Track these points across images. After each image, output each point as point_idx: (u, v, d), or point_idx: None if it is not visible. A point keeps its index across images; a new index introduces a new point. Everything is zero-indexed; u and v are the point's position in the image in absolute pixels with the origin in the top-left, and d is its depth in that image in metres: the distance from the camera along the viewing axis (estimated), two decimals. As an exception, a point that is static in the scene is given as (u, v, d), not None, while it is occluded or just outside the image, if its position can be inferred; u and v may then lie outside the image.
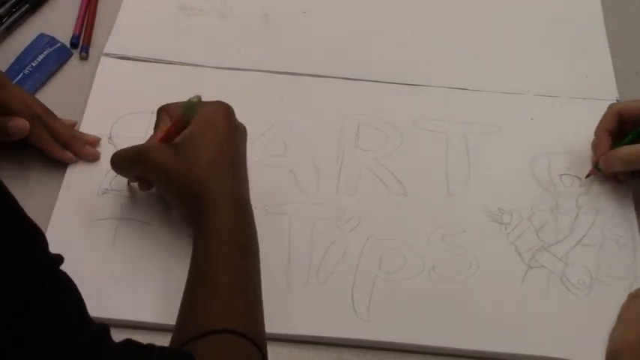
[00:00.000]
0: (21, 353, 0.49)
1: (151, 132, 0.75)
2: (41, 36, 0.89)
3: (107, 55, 0.88)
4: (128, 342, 0.58)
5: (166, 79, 0.86)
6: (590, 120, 0.81)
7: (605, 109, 0.80)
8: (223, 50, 0.90)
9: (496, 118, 0.85)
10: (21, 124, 0.75)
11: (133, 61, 0.88)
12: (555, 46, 0.93)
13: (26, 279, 0.49)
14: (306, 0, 0.95)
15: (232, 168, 0.71)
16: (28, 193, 0.76)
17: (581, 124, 0.82)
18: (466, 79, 0.89)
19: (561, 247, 0.76)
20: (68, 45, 0.89)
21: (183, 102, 0.67)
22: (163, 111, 0.74)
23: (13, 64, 0.86)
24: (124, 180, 0.77)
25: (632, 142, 0.77)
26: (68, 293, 0.53)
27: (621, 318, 0.71)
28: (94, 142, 0.80)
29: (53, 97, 0.83)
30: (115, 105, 0.83)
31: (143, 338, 0.59)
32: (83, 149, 0.79)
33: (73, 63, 0.88)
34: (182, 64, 0.88)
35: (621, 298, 0.72)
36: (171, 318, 0.68)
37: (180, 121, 0.69)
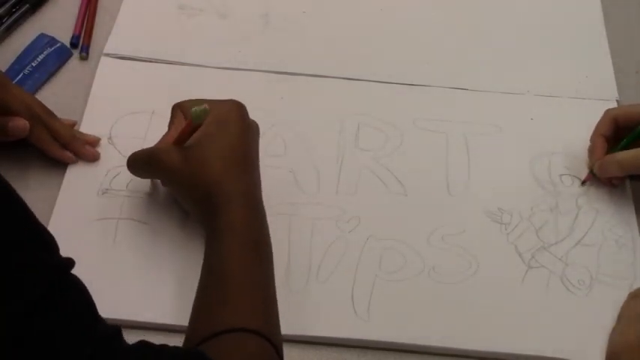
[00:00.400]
0: (32, 353, 0.49)
1: (151, 132, 0.75)
2: (41, 36, 0.89)
3: (107, 55, 0.88)
4: (141, 343, 0.57)
5: (166, 79, 0.86)
6: (590, 120, 0.81)
7: (604, 110, 0.80)
8: (223, 50, 0.90)
9: (496, 118, 0.85)
10: (21, 124, 0.75)
11: (133, 61, 0.88)
12: (555, 46, 0.93)
13: (38, 279, 0.49)
14: (306, 0, 0.95)
15: (245, 167, 0.71)
16: (28, 193, 0.76)
17: (581, 124, 0.82)
18: (466, 79, 0.89)
19: (561, 247, 0.76)
20: (68, 45, 0.89)
21: (192, 109, 0.67)
22: (178, 108, 0.74)
23: (13, 64, 0.86)
24: (124, 180, 0.77)
25: (626, 146, 0.77)
26: (79, 295, 0.53)
27: (621, 318, 0.71)
28: (94, 142, 0.80)
29: (53, 97, 0.83)
30: (115, 105, 0.83)
31: (143, 338, 0.59)
32: (83, 149, 0.79)
33: (73, 63, 0.88)
34: (182, 64, 0.88)
35: (621, 298, 0.72)
36: (171, 317, 0.68)
37: (190, 124, 0.69)
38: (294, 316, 0.70)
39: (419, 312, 0.71)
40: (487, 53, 0.92)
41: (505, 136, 0.84)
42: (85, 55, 0.88)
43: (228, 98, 0.73)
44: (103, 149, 0.80)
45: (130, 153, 0.73)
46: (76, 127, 0.81)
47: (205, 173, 0.68)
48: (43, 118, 0.77)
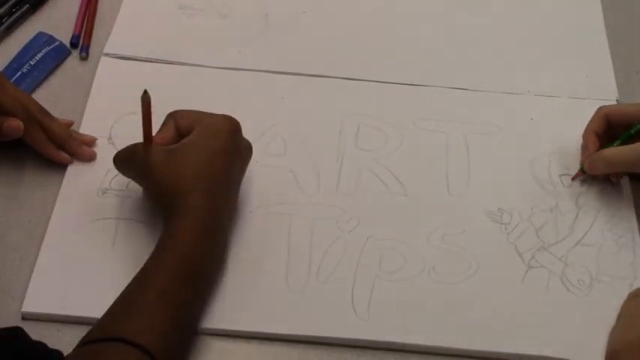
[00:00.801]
0: None
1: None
2: (39, 34, 0.89)
3: (107, 55, 0.88)
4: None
5: (166, 79, 0.86)
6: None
7: (599, 108, 0.80)
8: (223, 50, 0.90)
9: (496, 118, 0.85)
10: (14, 124, 0.74)
11: (133, 61, 0.88)
12: (555, 46, 0.93)
13: None
14: (306, 0, 0.95)
15: (217, 186, 0.69)
16: (28, 193, 0.76)
17: (581, 125, 0.82)
18: (466, 79, 0.89)
19: (561, 247, 0.76)
20: (68, 45, 0.89)
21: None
22: (171, 117, 0.73)
23: (11, 62, 0.86)
24: (124, 180, 0.76)
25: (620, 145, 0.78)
26: None
27: (621, 317, 0.71)
28: (90, 142, 0.80)
29: (53, 97, 0.83)
30: (115, 105, 0.83)
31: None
32: (79, 149, 0.78)
33: (73, 63, 0.88)
34: (182, 64, 0.88)
35: (621, 298, 0.72)
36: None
37: (149, 116, 0.68)
38: (294, 316, 0.70)
39: (419, 312, 0.71)
40: (487, 53, 0.92)
41: (505, 136, 0.84)
42: (85, 55, 0.88)
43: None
44: (103, 149, 0.79)
45: (129, 153, 0.73)
46: (75, 127, 0.81)
47: (175, 179, 0.68)
48: (38, 117, 0.77)
